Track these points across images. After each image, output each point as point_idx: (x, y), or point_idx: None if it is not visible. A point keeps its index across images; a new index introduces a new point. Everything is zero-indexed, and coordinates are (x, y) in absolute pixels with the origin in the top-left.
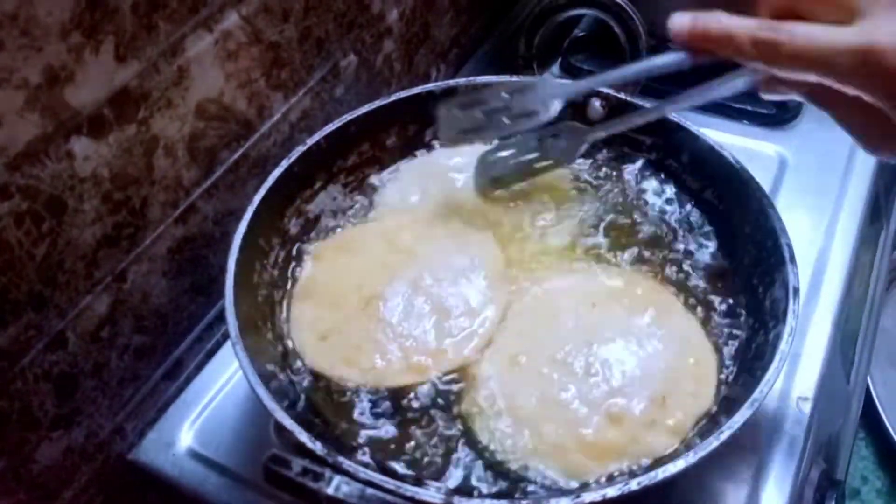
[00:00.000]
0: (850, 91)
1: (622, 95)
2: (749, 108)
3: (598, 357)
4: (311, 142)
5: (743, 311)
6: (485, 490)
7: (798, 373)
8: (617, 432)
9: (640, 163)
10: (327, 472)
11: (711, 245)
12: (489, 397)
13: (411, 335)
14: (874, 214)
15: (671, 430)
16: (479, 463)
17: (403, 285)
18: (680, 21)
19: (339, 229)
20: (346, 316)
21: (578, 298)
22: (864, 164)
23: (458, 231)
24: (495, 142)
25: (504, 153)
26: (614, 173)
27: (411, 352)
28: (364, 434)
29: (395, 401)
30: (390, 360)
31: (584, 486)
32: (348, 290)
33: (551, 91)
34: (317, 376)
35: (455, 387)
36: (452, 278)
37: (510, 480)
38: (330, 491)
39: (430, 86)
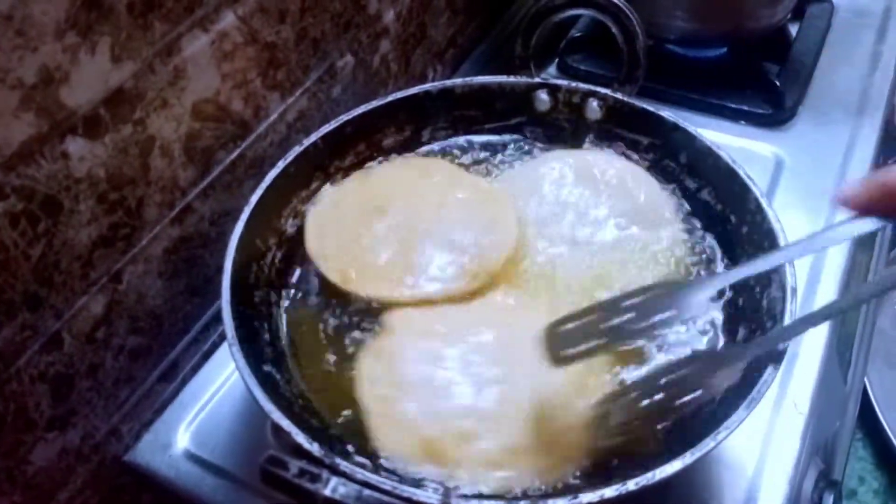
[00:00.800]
0: None
1: (619, 96)
2: (746, 108)
3: (491, 378)
4: (307, 142)
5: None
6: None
7: (795, 373)
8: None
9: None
10: (324, 473)
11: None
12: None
13: (386, 250)
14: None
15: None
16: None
17: (410, 209)
18: (849, 188)
19: None
20: (348, 219)
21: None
22: (860, 164)
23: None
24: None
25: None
26: None
27: (378, 267)
28: None
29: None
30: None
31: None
32: (363, 201)
33: (697, 291)
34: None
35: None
36: (459, 225)
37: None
38: (327, 492)
39: (427, 86)
